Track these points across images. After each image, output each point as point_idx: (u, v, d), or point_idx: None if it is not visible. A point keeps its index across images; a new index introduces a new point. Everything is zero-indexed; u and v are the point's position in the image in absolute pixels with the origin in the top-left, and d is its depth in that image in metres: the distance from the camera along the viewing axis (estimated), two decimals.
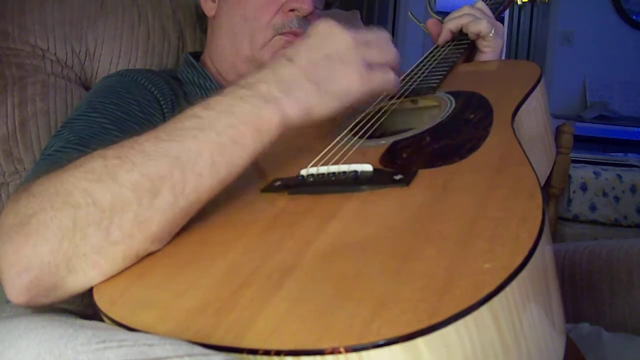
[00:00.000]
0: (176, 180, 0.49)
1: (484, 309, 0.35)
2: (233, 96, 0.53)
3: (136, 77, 0.81)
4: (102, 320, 0.45)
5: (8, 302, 0.50)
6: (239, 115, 0.52)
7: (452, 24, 0.87)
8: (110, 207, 0.48)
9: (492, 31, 0.84)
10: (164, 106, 0.79)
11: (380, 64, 0.60)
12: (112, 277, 0.49)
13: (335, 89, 0.56)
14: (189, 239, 0.52)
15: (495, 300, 0.36)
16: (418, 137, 0.62)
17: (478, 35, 0.85)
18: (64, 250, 0.47)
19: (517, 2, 1.08)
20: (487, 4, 0.90)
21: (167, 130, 0.52)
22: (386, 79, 0.61)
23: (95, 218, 0.48)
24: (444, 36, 0.89)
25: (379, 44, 0.61)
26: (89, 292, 0.49)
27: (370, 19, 3.58)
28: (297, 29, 0.84)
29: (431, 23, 0.92)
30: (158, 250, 0.51)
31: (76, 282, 0.49)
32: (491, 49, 0.85)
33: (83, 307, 0.71)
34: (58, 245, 0.47)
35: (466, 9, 0.88)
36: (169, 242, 0.52)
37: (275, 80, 0.55)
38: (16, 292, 0.48)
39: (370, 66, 0.59)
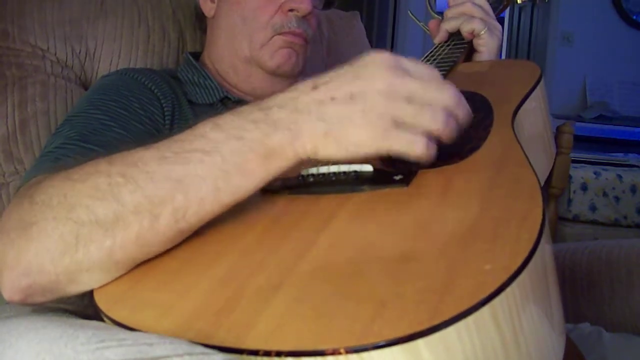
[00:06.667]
0: (178, 205, 0.48)
1: (484, 310, 0.35)
2: (246, 118, 0.50)
3: (135, 75, 0.81)
4: (102, 320, 0.46)
5: (8, 302, 0.50)
6: (247, 141, 0.49)
7: (448, 24, 0.87)
8: (113, 226, 0.48)
9: (485, 30, 0.84)
10: (164, 104, 0.79)
11: (413, 126, 0.49)
12: None
13: (341, 135, 0.48)
14: (189, 240, 0.51)
15: (496, 301, 0.35)
16: None
17: (472, 35, 0.85)
18: (66, 264, 0.48)
19: (517, 1, 1.08)
20: None
21: (174, 149, 0.50)
22: (413, 145, 0.48)
23: (98, 237, 0.48)
24: (441, 36, 0.89)
25: (423, 102, 0.49)
26: (89, 292, 0.49)
27: (370, 19, 3.58)
28: (296, 29, 0.84)
29: (432, 23, 0.92)
30: None
31: (76, 289, 0.50)
32: (486, 47, 0.85)
33: (83, 307, 0.71)
34: (59, 258, 0.48)
35: (464, 8, 0.87)
36: None
37: (290, 107, 0.49)
38: (12, 292, 0.49)
39: (398, 124, 0.48)
